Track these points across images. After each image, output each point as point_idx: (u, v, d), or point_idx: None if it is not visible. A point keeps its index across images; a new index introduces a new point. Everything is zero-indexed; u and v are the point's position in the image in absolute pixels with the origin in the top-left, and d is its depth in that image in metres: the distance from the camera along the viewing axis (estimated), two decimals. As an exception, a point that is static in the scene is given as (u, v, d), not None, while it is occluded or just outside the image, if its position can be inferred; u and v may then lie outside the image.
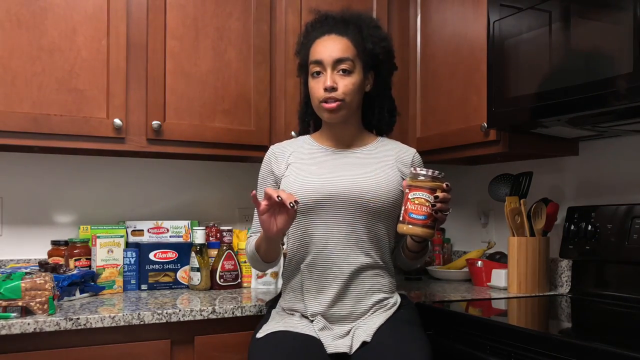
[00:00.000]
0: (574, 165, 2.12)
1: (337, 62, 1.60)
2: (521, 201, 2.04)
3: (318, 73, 1.62)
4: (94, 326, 1.55)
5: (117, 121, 1.88)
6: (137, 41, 1.94)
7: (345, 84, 1.60)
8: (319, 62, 1.62)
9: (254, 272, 2.12)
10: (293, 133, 2.12)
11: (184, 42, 2.00)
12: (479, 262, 2.20)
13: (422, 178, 1.46)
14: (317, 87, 1.62)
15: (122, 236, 2.00)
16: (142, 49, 1.95)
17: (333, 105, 1.59)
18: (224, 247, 2.08)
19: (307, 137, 1.75)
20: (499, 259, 2.22)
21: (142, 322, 1.60)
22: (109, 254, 1.97)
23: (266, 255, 1.61)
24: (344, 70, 1.60)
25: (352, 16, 1.68)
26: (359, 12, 1.71)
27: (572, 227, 1.98)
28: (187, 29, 2.01)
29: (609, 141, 1.99)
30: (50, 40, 1.82)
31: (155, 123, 1.93)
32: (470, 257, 2.31)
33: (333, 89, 1.59)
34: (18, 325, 1.46)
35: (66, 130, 1.83)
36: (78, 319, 1.53)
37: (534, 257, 2.01)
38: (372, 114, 1.73)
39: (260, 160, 2.22)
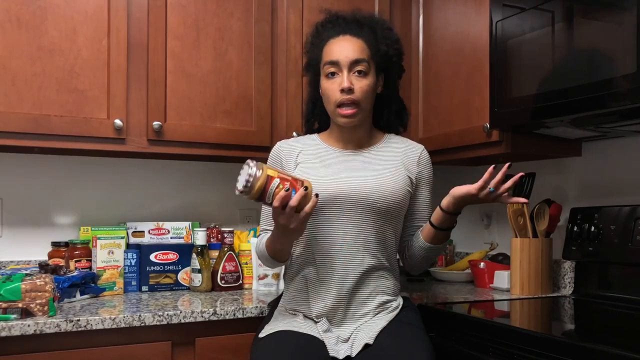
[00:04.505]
0: (577, 166, 2.11)
1: (354, 63, 1.58)
2: (524, 202, 2.03)
3: (333, 74, 1.60)
4: (94, 328, 1.54)
5: (118, 122, 1.87)
6: (138, 41, 1.94)
7: (361, 85, 1.58)
8: (334, 63, 1.60)
9: (255, 273, 2.11)
10: (295, 133, 2.11)
11: (185, 42, 2.00)
12: (482, 264, 2.19)
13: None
14: (333, 89, 1.60)
15: (122, 237, 2.00)
16: (143, 49, 1.94)
17: (350, 111, 1.58)
18: (225, 249, 2.08)
19: (314, 135, 1.74)
20: (502, 261, 2.22)
21: (142, 324, 1.59)
22: (109, 255, 1.96)
23: (282, 255, 1.58)
24: (359, 72, 1.58)
25: (365, 17, 1.67)
26: (370, 13, 1.72)
27: (575, 228, 1.97)
28: (188, 29, 2.00)
29: (612, 142, 1.98)
30: (51, 40, 1.82)
31: (156, 124, 1.92)
32: (473, 259, 2.30)
33: (350, 90, 1.57)
34: (18, 327, 1.46)
35: (66, 131, 1.83)
36: (78, 320, 1.52)
37: (537, 258, 2.00)
38: (381, 116, 1.73)
39: (260, 160, 2.22)
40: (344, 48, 1.59)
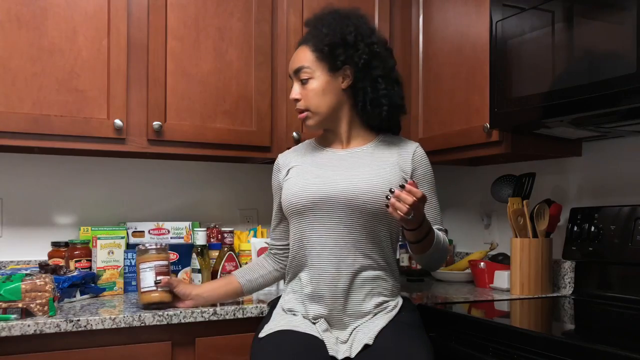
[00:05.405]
0: (577, 166, 2.11)
1: (296, 72, 1.64)
2: (524, 202, 2.03)
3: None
4: (94, 328, 1.54)
5: (118, 122, 1.87)
6: (138, 41, 1.94)
7: (305, 93, 1.63)
8: (290, 78, 1.69)
9: (255, 273, 2.10)
10: (295, 134, 2.11)
11: (184, 43, 2.00)
12: (482, 264, 2.19)
13: (152, 252, 1.68)
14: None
15: (122, 237, 1.99)
16: (143, 49, 1.94)
17: (301, 116, 1.66)
18: (225, 249, 2.07)
19: (311, 140, 1.77)
20: (502, 261, 2.21)
21: (142, 324, 1.59)
22: (109, 256, 1.96)
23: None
24: (304, 80, 1.63)
25: (315, 18, 1.68)
26: (329, 10, 1.68)
27: (575, 228, 1.97)
28: (188, 29, 2.00)
29: (612, 142, 1.98)
30: (51, 40, 1.82)
31: (156, 124, 1.92)
32: (473, 259, 2.29)
33: (296, 100, 1.65)
34: (18, 327, 1.46)
35: (66, 131, 1.83)
36: (78, 320, 1.52)
37: (537, 258, 2.00)
38: (357, 109, 1.66)
39: (261, 160, 2.23)
40: (291, 60, 1.68)
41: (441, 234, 1.64)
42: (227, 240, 2.08)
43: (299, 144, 1.79)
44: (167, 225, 2.16)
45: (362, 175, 1.58)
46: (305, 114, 1.65)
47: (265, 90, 2.11)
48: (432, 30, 2.24)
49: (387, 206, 1.43)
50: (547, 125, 1.77)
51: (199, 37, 2.02)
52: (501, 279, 2.09)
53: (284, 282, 1.70)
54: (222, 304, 1.74)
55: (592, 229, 1.91)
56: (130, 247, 2.07)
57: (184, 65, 2.00)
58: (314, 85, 1.62)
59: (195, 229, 2.08)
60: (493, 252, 2.34)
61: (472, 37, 2.02)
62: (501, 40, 1.80)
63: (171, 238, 2.15)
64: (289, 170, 1.68)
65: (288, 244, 1.72)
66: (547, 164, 2.21)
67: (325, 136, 1.72)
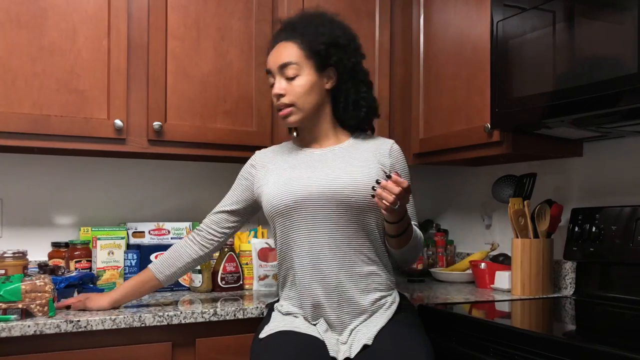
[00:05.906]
0: (578, 167, 2.11)
1: (282, 67, 1.62)
2: (525, 202, 2.03)
3: (272, 84, 1.66)
4: (94, 328, 1.54)
5: (118, 122, 1.87)
6: (138, 42, 1.93)
7: (292, 88, 1.62)
8: (269, 72, 1.66)
9: (255, 274, 2.10)
10: (295, 134, 2.11)
11: (185, 43, 1.99)
12: (483, 264, 2.19)
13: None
14: (272, 96, 1.65)
15: (123, 238, 1.99)
16: (143, 49, 1.94)
17: (284, 111, 1.64)
18: (226, 249, 2.07)
19: (289, 141, 1.78)
20: (503, 261, 2.21)
21: (143, 325, 1.59)
22: (109, 256, 1.95)
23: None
24: (290, 76, 1.61)
25: (302, 18, 1.68)
26: (314, 12, 1.69)
27: (576, 229, 1.96)
28: (189, 29, 2.00)
29: (613, 142, 1.98)
30: (51, 40, 1.82)
31: (156, 124, 1.92)
32: (474, 259, 2.29)
33: (281, 95, 1.62)
34: (18, 327, 1.45)
35: (66, 131, 1.82)
36: (78, 321, 1.52)
37: (538, 259, 2.00)
38: (338, 110, 1.68)
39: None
40: (273, 55, 1.65)
41: (418, 230, 1.66)
42: (228, 241, 2.07)
43: (278, 145, 1.80)
44: (167, 225, 2.16)
45: (344, 171, 1.58)
46: (290, 109, 1.62)
47: (265, 91, 2.10)
48: (432, 30, 2.23)
49: (374, 196, 1.43)
50: (548, 126, 1.77)
51: (200, 37, 2.02)
52: (502, 279, 2.09)
53: (279, 288, 1.69)
54: (222, 304, 1.74)
55: (593, 229, 1.91)
56: (130, 247, 2.07)
57: (184, 65, 1.99)
58: (302, 82, 1.61)
59: (196, 230, 2.08)
60: (494, 253, 2.34)
61: (473, 37, 2.02)
62: (502, 40, 1.79)
63: (171, 238, 2.15)
64: (265, 171, 1.68)
65: (222, 235, 1.73)
66: (548, 164, 2.20)
67: (302, 137, 1.72)
